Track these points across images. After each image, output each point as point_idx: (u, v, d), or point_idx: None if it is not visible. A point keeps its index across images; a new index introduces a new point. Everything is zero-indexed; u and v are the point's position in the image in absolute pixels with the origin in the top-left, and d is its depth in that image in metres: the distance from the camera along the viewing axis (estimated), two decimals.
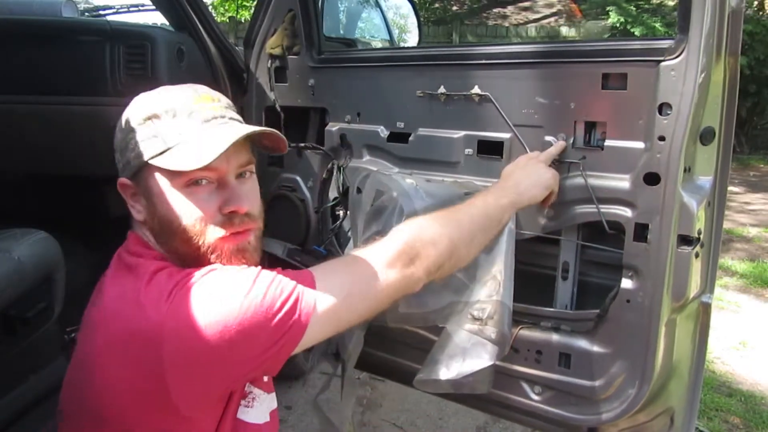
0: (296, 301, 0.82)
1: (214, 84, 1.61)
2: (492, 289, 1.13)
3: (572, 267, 1.21)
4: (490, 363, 1.12)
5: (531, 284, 1.21)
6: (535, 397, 1.23)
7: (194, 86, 0.93)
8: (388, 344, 1.37)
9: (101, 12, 2.37)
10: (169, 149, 0.86)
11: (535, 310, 1.21)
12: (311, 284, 0.85)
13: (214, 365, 0.79)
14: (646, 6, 7.43)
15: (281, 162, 1.60)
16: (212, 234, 0.86)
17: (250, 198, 0.90)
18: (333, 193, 1.52)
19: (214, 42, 1.60)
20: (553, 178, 1.12)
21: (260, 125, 1.59)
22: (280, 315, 0.80)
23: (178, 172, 0.85)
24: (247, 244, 0.90)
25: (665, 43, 1.03)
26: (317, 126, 1.56)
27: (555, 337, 1.19)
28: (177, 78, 1.62)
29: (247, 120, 1.61)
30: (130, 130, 0.88)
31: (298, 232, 1.55)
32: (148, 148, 0.87)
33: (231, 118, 0.92)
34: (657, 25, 6.82)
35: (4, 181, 1.81)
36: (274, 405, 0.99)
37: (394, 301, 0.95)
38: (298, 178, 1.56)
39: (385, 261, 0.92)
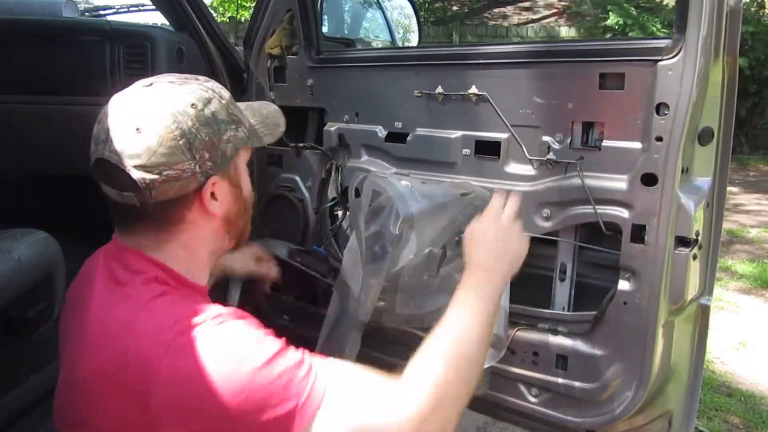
0: (307, 398, 0.74)
1: None
2: None
3: (569, 268, 1.21)
4: (486, 365, 1.12)
5: (528, 286, 1.21)
6: (533, 399, 1.23)
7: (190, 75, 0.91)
8: (384, 345, 1.37)
9: (101, 12, 2.37)
10: (254, 128, 0.92)
11: (533, 311, 1.21)
12: (322, 396, 0.75)
13: (206, 426, 0.74)
14: (647, 5, 7.42)
15: (280, 162, 1.60)
16: None
17: None
18: (332, 193, 1.52)
19: (214, 42, 1.60)
20: (527, 243, 1.04)
21: None
22: (282, 407, 0.73)
23: (245, 151, 0.91)
24: None
25: (663, 43, 1.02)
26: (316, 126, 1.56)
27: (552, 338, 1.18)
28: None
29: None
30: (220, 122, 0.84)
31: (297, 233, 1.56)
32: (240, 135, 0.88)
33: None
34: (656, 27, 6.81)
35: (4, 181, 1.81)
36: None
37: None
38: (297, 178, 1.56)
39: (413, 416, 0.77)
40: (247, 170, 0.93)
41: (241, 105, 0.94)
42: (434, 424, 0.78)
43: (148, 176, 0.78)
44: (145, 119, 0.79)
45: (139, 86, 0.84)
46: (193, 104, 0.81)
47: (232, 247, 0.96)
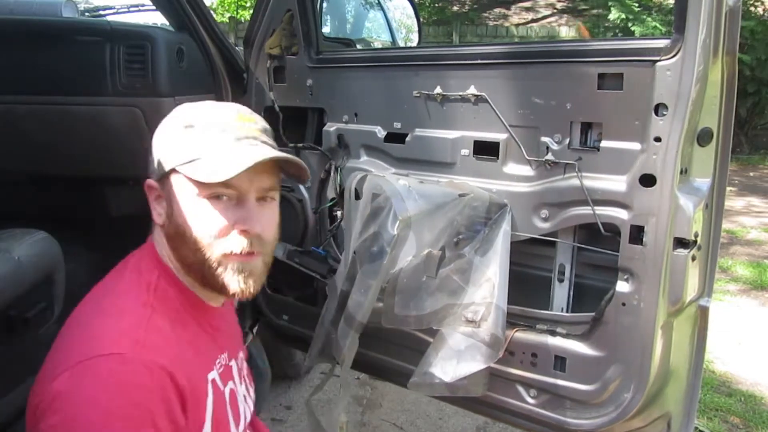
0: None
1: (214, 84, 1.62)
2: (486, 291, 1.13)
3: (568, 269, 1.21)
4: (483, 366, 1.12)
5: (527, 287, 1.21)
6: (531, 401, 1.23)
7: (237, 105, 0.96)
8: (383, 345, 1.37)
9: (101, 12, 2.37)
10: (196, 159, 0.87)
11: (531, 312, 1.21)
12: None
13: None
14: (649, 3, 7.40)
15: None
16: (220, 248, 0.87)
17: (264, 222, 0.90)
18: (331, 194, 1.52)
19: (214, 42, 1.60)
20: None
21: None
22: None
23: (201, 183, 0.87)
24: (253, 267, 0.90)
25: (661, 43, 1.02)
26: (315, 126, 1.56)
27: (550, 340, 1.18)
28: (177, 78, 1.63)
29: None
30: (165, 135, 0.92)
31: (296, 233, 1.56)
32: (178, 155, 0.89)
33: (263, 142, 0.92)
34: (657, 24, 6.80)
35: (4, 181, 1.81)
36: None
37: None
38: None
39: None
40: (201, 204, 0.87)
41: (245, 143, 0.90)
42: None
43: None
44: None
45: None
46: (170, 114, 0.94)
47: (197, 277, 0.91)
